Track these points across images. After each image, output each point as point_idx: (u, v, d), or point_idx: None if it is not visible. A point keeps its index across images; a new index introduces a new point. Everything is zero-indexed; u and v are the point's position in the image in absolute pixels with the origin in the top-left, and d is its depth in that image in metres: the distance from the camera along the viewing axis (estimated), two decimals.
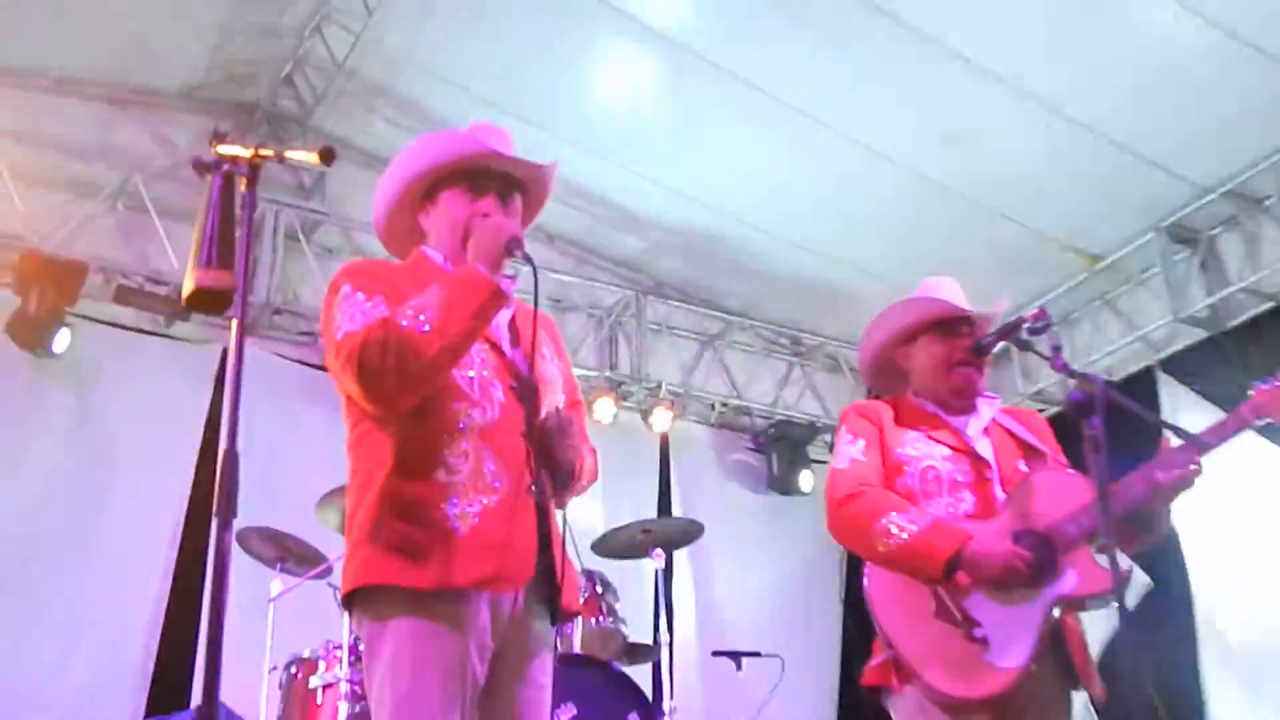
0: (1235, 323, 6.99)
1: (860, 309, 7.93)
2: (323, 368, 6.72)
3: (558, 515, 2.72)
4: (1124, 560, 2.96)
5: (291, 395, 6.72)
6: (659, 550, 5.31)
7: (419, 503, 2.55)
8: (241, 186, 2.44)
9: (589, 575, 5.05)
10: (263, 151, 2.46)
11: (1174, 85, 6.17)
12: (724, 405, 8.18)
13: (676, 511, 7.60)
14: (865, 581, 3.22)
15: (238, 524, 4.86)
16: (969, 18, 6.01)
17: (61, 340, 6.23)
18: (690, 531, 5.56)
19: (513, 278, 2.69)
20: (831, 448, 7.81)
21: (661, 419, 7.67)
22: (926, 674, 3.03)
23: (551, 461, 2.67)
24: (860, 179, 7.03)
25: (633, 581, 5.63)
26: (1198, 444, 3.04)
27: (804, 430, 8.12)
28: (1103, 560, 2.96)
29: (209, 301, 2.44)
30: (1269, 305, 6.83)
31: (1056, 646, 3.09)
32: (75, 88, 6.80)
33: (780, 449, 8.03)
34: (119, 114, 6.98)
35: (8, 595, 5.75)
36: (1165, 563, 6.43)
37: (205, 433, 6.44)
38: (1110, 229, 7.29)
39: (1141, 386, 7.21)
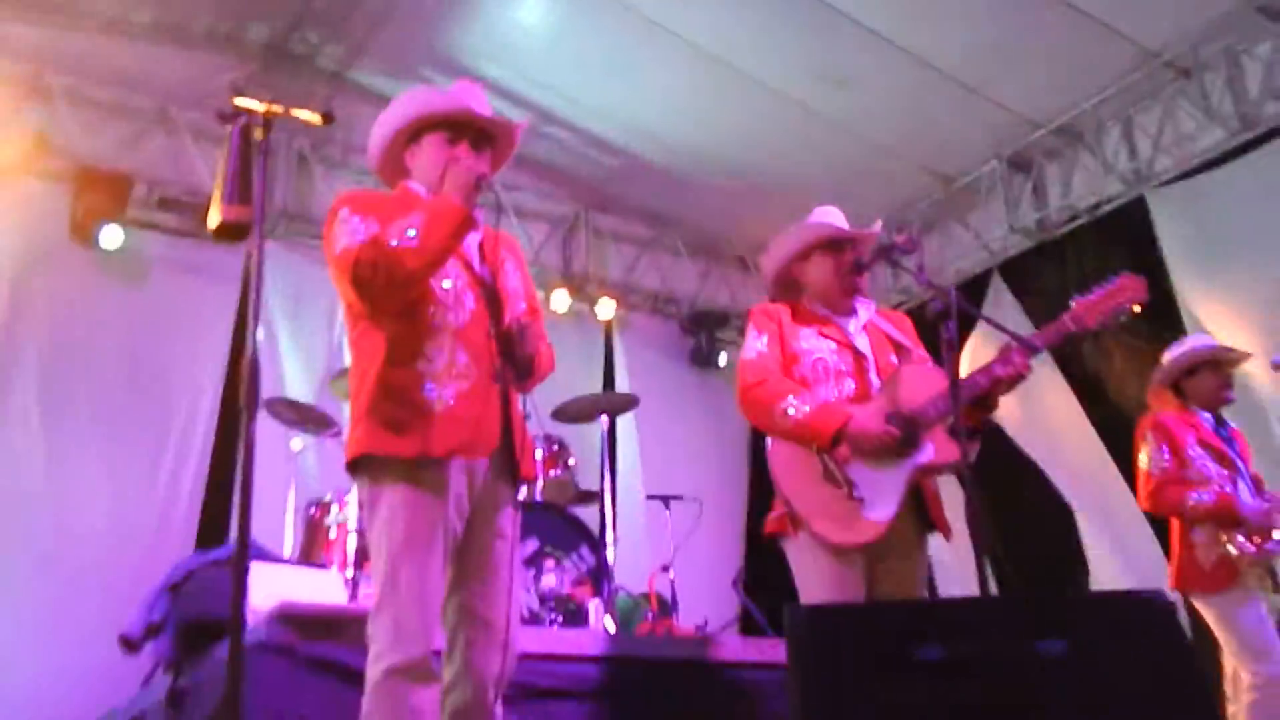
0: (1057, 234, 6.98)
1: (763, 220, 7.94)
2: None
3: (519, 400, 2.73)
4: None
5: (302, 287, 6.59)
6: (604, 416, 5.35)
7: (404, 387, 2.57)
8: (257, 135, 2.39)
9: (548, 438, 5.07)
10: (274, 108, 2.41)
11: (1014, 40, 6.11)
12: (655, 297, 8.15)
13: (619, 382, 7.60)
14: (768, 451, 3.22)
15: (266, 394, 4.80)
16: None
17: (111, 238, 6.01)
18: (628, 402, 5.61)
19: (481, 207, 2.69)
20: (741, 331, 7.88)
21: (606, 308, 7.61)
22: (815, 524, 3.06)
23: (513, 357, 2.67)
24: (762, 114, 6.89)
25: (585, 441, 5.61)
26: (1029, 346, 3.04)
27: (719, 317, 8.07)
28: (953, 436, 3.02)
29: (232, 231, 2.43)
30: (1084, 220, 6.83)
31: (916, 501, 3.14)
32: (120, 28, 6.47)
33: (700, 332, 8.00)
34: (157, 51, 6.65)
35: (72, 451, 5.65)
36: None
37: (237, 315, 6.27)
38: (961, 157, 7.24)
39: (980, 285, 7.25)
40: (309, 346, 6.21)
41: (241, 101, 2.43)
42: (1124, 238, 6.46)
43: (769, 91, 6.72)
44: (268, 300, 6.39)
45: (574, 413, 5.40)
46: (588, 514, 5.23)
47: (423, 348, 2.59)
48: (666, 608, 4.90)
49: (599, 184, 7.92)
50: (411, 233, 2.52)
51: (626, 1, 6.25)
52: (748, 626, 5.63)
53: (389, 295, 2.54)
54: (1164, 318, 5.78)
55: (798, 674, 2.07)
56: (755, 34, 6.37)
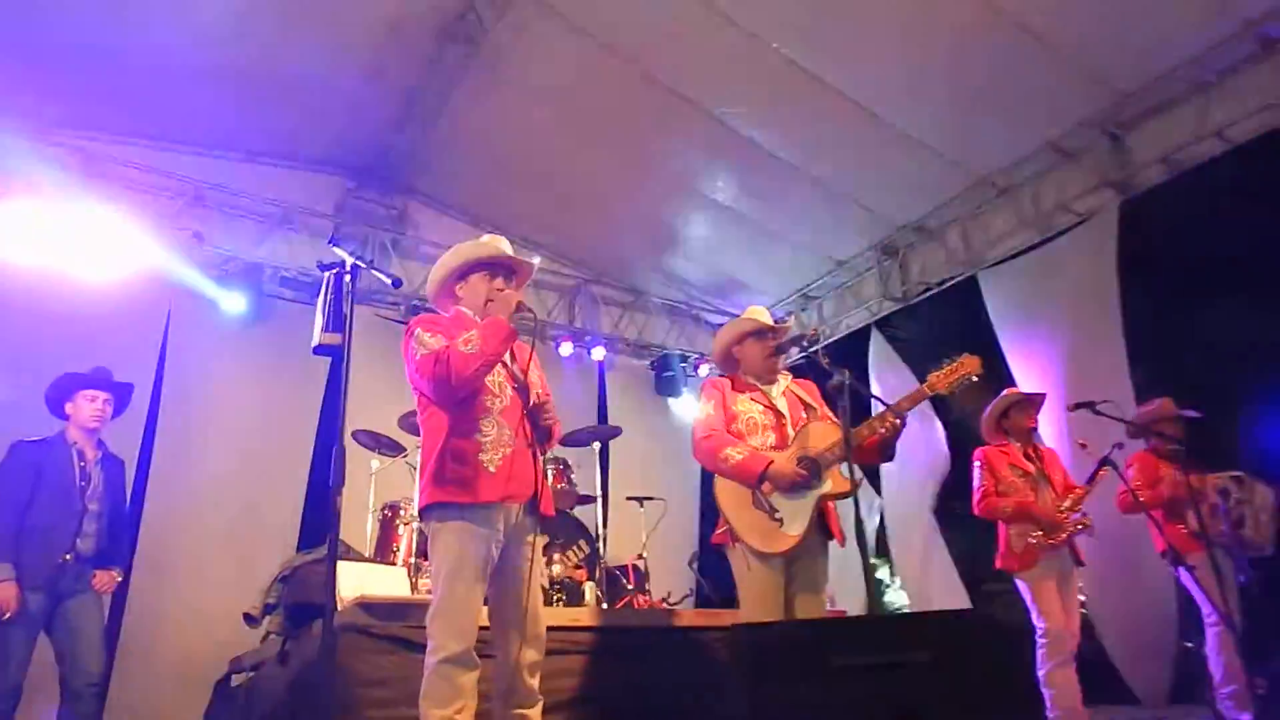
0: (915, 300, 6.93)
1: (712, 293, 7.89)
2: (397, 321, 6.59)
3: (542, 459, 2.69)
4: (858, 473, 2.90)
5: (379, 339, 6.35)
6: (596, 441, 5.16)
7: (465, 453, 2.53)
8: (346, 279, 2.29)
9: (556, 459, 4.88)
10: (359, 262, 2.33)
11: (884, 165, 6.05)
12: (634, 344, 7.91)
13: (610, 408, 7.37)
14: (715, 485, 3.13)
15: (354, 425, 4.59)
16: (762, 117, 5.82)
17: (236, 304, 5.90)
18: (613, 432, 5.41)
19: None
20: (695, 369, 7.75)
21: (599, 353, 7.42)
22: (747, 538, 2.99)
23: (537, 429, 2.66)
24: (709, 222, 6.83)
25: (586, 458, 5.37)
26: (895, 411, 2.96)
27: (679, 359, 7.85)
28: (846, 473, 2.93)
29: (327, 350, 2.33)
30: (934, 291, 6.79)
31: (821, 519, 3.05)
32: (255, 156, 6.45)
33: (665, 370, 7.79)
34: (280, 172, 6.53)
35: (208, 467, 5.47)
36: None
37: (331, 366, 6.10)
38: (846, 245, 7.16)
39: (861, 337, 7.17)
40: (383, 389, 6.00)
41: (338, 251, 2.35)
42: (961, 304, 6.42)
43: (714, 204, 6.65)
44: (354, 352, 6.21)
45: (576, 439, 5.22)
46: (587, 512, 5.06)
47: (478, 425, 2.56)
48: (642, 583, 4.73)
49: (592, 263, 7.78)
50: (472, 344, 2.50)
51: (614, 140, 6.19)
52: (701, 597, 5.44)
53: (458, 389, 2.51)
54: (992, 365, 5.77)
55: (739, 677, 1.97)
56: (703, 164, 6.32)
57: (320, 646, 2.92)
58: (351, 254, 2.30)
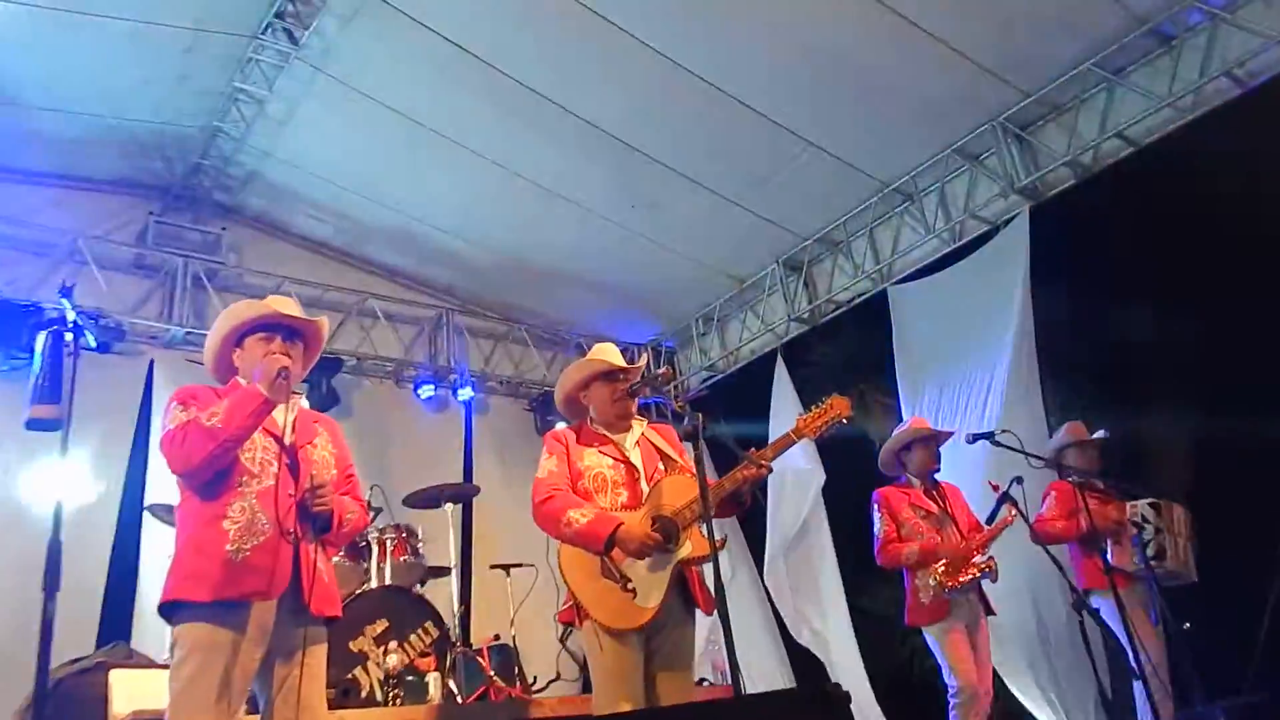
0: (823, 321, 7.14)
1: (599, 317, 7.94)
2: None
3: (311, 550, 2.61)
4: (719, 533, 2.93)
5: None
6: (449, 503, 4.90)
7: (209, 542, 2.50)
8: (67, 337, 2.21)
9: (398, 526, 4.73)
10: (80, 320, 2.25)
11: (782, 173, 6.28)
12: (508, 381, 7.80)
13: (481, 459, 7.15)
14: (559, 553, 3.12)
15: (155, 499, 4.39)
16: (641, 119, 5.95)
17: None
18: (470, 491, 5.27)
19: (298, 393, 2.72)
20: None
21: (466, 394, 7.26)
22: (596, 614, 2.99)
23: (310, 516, 2.59)
24: (593, 234, 6.87)
25: (443, 521, 5.02)
26: (757, 461, 3.01)
27: None
28: (705, 533, 2.96)
29: (44, 425, 2.23)
30: (842, 310, 7.02)
31: (682, 587, 3.07)
32: (38, 178, 6.17)
33: (544, 410, 7.58)
34: (70, 196, 6.30)
35: None
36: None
37: (136, 422, 5.84)
38: (749, 262, 7.39)
39: (767, 361, 7.29)
40: None
41: (64, 304, 2.28)
42: (872, 323, 6.62)
43: (594, 217, 6.72)
44: (157, 405, 5.94)
45: (424, 500, 5.01)
46: (443, 587, 4.86)
47: (226, 510, 2.52)
48: (509, 666, 4.48)
49: (456, 290, 7.69)
50: (217, 418, 2.48)
51: (473, 147, 6.16)
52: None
53: (199, 466, 2.48)
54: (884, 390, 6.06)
55: None
56: (581, 172, 6.40)
57: None
58: (75, 308, 2.22)
